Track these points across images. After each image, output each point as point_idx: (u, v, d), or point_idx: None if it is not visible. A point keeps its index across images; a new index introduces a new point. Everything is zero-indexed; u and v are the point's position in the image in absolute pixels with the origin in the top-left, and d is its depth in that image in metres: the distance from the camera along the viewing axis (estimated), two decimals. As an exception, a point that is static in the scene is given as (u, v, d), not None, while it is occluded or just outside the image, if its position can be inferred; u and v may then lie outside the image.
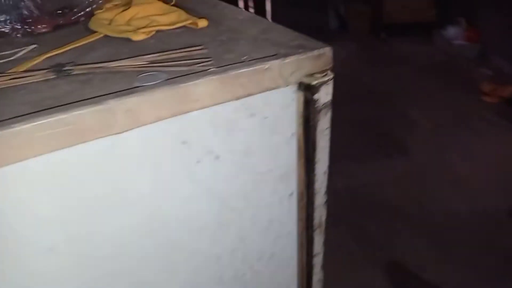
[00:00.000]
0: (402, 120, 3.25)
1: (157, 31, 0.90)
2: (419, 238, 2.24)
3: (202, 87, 0.65)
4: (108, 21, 0.93)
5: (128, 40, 0.83)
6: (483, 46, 3.98)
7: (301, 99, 0.77)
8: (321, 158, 0.84)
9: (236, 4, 4.68)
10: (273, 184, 0.81)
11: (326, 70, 0.77)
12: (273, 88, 0.71)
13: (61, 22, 0.96)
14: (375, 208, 2.44)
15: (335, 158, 3.03)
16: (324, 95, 0.77)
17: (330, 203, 2.43)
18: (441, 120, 3.21)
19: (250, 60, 0.71)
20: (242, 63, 0.69)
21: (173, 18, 0.95)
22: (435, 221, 2.33)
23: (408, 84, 3.74)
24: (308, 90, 0.76)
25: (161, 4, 0.99)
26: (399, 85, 3.74)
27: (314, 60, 0.75)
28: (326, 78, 0.76)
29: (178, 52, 0.75)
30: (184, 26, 0.92)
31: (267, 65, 0.69)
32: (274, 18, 4.61)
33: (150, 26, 0.90)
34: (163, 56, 0.74)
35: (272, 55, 0.72)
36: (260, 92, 0.70)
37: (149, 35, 0.87)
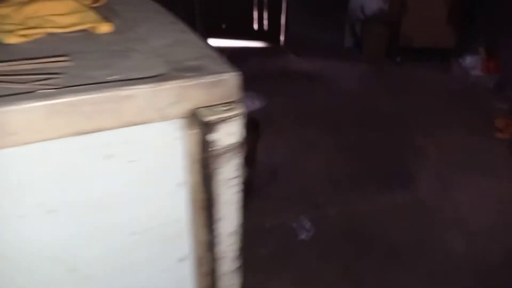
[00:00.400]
0: (409, 150, 3.00)
1: (51, 34, 0.73)
2: (412, 276, 2.02)
3: (21, 116, 0.46)
4: None
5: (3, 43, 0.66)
6: (501, 78, 3.71)
7: (193, 138, 0.57)
8: (226, 215, 0.63)
9: (251, 17, 4.55)
10: (152, 247, 0.61)
11: (229, 102, 0.57)
12: (141, 123, 0.52)
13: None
14: (368, 240, 2.22)
15: (333, 183, 2.76)
16: (226, 135, 0.57)
17: (320, 231, 2.23)
18: (449, 153, 2.96)
19: (115, 81, 0.51)
20: (95, 85, 0.50)
21: (74, 19, 0.77)
22: (430, 260, 2.11)
23: (420, 112, 3.48)
24: (203, 127, 0.56)
25: (69, 2, 0.81)
26: (410, 112, 3.48)
27: (209, 89, 0.55)
28: (228, 114, 0.56)
29: (30, 63, 0.56)
30: (86, 30, 0.74)
31: (126, 91, 0.49)
32: (288, 32, 4.45)
33: (42, 27, 0.74)
34: (8, 67, 0.55)
35: (148, 77, 0.53)
36: (120, 127, 0.51)
37: (29, 38, 0.70)
